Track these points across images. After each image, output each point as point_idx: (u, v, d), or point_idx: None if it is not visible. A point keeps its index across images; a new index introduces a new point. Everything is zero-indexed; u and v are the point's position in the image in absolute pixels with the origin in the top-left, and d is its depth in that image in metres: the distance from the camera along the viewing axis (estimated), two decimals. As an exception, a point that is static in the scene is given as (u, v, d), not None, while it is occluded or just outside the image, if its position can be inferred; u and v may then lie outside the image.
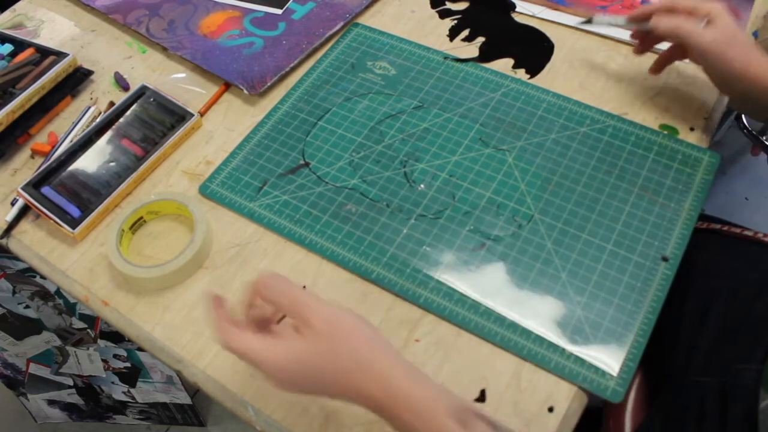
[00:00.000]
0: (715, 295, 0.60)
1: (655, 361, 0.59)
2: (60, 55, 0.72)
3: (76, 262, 0.60)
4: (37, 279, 0.80)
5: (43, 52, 0.73)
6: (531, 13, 0.77)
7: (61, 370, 1.04)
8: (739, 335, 0.55)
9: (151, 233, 0.61)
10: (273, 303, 0.43)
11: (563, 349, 0.51)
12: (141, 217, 0.61)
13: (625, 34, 0.71)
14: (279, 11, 0.79)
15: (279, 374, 0.42)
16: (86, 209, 0.61)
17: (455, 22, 0.77)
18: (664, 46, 0.65)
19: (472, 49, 0.74)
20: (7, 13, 0.83)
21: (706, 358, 0.56)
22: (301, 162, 0.65)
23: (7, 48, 0.74)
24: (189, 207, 0.59)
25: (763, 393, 0.47)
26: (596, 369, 0.50)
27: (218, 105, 0.71)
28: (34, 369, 1.05)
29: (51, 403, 1.16)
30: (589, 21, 0.72)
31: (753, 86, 0.57)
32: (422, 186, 0.62)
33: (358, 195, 0.61)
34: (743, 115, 1.19)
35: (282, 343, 0.42)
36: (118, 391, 1.07)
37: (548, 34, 0.75)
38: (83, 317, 0.87)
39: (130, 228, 0.60)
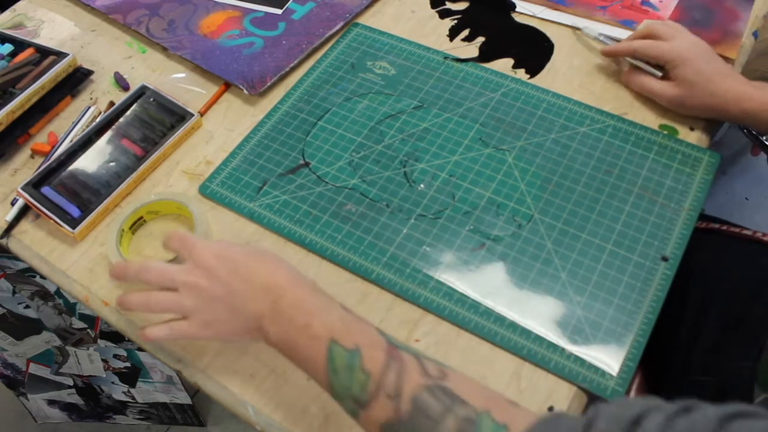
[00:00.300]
0: (715, 295, 0.60)
1: (654, 361, 0.59)
2: (60, 55, 0.72)
3: (76, 262, 0.60)
4: (37, 279, 0.80)
5: (43, 52, 0.73)
6: (531, 13, 0.77)
7: (61, 370, 1.04)
8: (737, 335, 0.55)
9: (151, 233, 0.61)
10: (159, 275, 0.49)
11: (563, 349, 0.51)
12: (141, 217, 0.61)
13: (626, 35, 0.71)
14: (279, 11, 0.79)
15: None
16: (86, 209, 0.61)
17: (455, 22, 0.77)
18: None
19: (472, 49, 0.74)
20: (7, 13, 0.83)
21: (704, 358, 0.56)
22: (301, 162, 0.65)
23: (7, 48, 0.74)
24: (189, 207, 0.59)
25: (758, 390, 0.47)
26: (596, 369, 0.50)
27: (218, 105, 0.71)
28: (34, 369, 1.05)
29: (51, 403, 1.16)
30: (579, 29, 0.74)
31: (727, 118, 0.63)
32: (422, 186, 0.62)
33: (358, 195, 0.62)
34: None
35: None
36: (118, 391, 1.07)
37: (548, 34, 0.75)
38: (83, 317, 0.87)
39: (130, 228, 0.60)
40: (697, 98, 0.61)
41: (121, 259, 0.56)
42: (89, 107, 0.71)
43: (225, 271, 0.47)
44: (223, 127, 0.69)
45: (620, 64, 0.70)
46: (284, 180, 0.63)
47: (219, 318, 0.47)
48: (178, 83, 0.74)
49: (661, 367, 0.60)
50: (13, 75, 0.70)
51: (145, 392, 1.06)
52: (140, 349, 0.93)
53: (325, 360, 0.42)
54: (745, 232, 0.65)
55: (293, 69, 0.73)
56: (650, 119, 0.65)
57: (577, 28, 0.74)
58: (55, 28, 0.81)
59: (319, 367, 0.43)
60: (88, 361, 0.99)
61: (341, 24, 0.77)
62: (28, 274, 0.79)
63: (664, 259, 0.55)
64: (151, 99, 0.69)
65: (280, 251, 0.59)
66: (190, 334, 0.48)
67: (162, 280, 0.48)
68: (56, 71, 0.70)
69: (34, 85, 0.69)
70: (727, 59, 0.69)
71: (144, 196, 0.63)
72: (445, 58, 0.73)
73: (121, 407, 1.14)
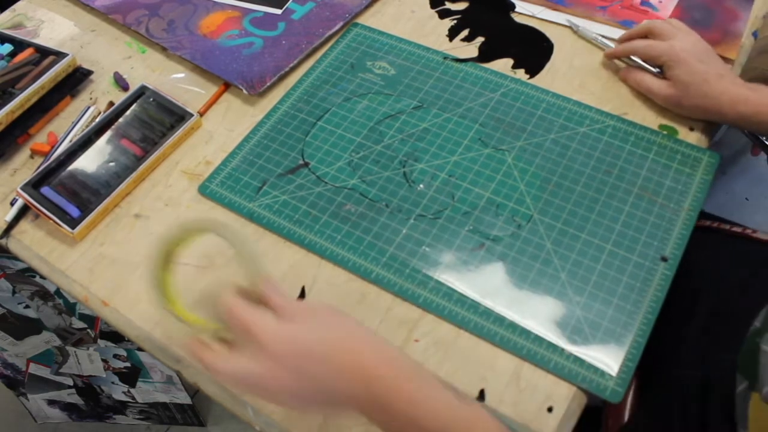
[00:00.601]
0: (711, 293, 0.60)
1: (647, 358, 0.59)
2: (59, 55, 0.72)
3: (76, 262, 0.60)
4: (37, 279, 0.80)
5: (43, 52, 0.73)
6: (531, 13, 0.77)
7: (61, 370, 1.04)
8: (722, 329, 0.55)
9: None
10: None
11: (562, 349, 0.51)
12: (172, 252, 0.50)
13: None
14: (278, 11, 0.79)
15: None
16: (86, 209, 0.61)
17: (455, 22, 0.77)
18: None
19: (471, 49, 0.74)
20: (7, 13, 0.83)
21: (692, 353, 0.56)
22: (301, 162, 0.65)
23: (7, 48, 0.74)
24: (225, 237, 0.48)
25: (740, 378, 0.47)
26: (595, 369, 0.50)
27: (218, 105, 0.71)
28: (34, 369, 1.05)
29: (51, 403, 1.16)
30: (574, 29, 0.75)
31: (724, 120, 0.62)
32: (421, 186, 0.62)
33: (357, 195, 0.62)
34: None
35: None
36: (118, 391, 1.07)
37: (548, 34, 0.75)
38: (83, 317, 0.87)
39: (166, 267, 0.50)
40: (691, 99, 0.61)
41: (171, 308, 0.49)
42: (89, 107, 0.71)
43: (296, 363, 0.41)
44: (223, 127, 0.69)
45: (619, 61, 0.70)
46: (284, 180, 0.63)
47: (300, 397, 0.43)
48: (178, 83, 0.74)
49: (653, 363, 0.60)
50: (12, 75, 0.70)
51: (145, 392, 1.07)
52: (140, 349, 0.93)
53: None
54: (746, 231, 0.65)
55: (293, 69, 0.73)
56: (650, 119, 0.65)
57: (575, 29, 0.74)
58: (55, 28, 0.81)
59: None
60: (88, 361, 0.99)
61: (341, 24, 0.77)
62: (28, 274, 0.79)
63: (664, 259, 0.55)
64: (151, 99, 0.69)
65: (279, 251, 0.59)
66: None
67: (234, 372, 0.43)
68: (56, 71, 0.70)
69: (33, 85, 0.69)
70: (726, 59, 0.69)
71: (142, 196, 0.63)
72: (445, 58, 0.73)
73: (121, 407, 1.14)
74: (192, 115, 0.68)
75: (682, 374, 0.55)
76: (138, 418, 1.19)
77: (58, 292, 0.83)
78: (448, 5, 0.79)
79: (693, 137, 0.64)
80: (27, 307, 0.88)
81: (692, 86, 0.61)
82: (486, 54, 0.73)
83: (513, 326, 0.52)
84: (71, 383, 1.08)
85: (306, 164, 0.64)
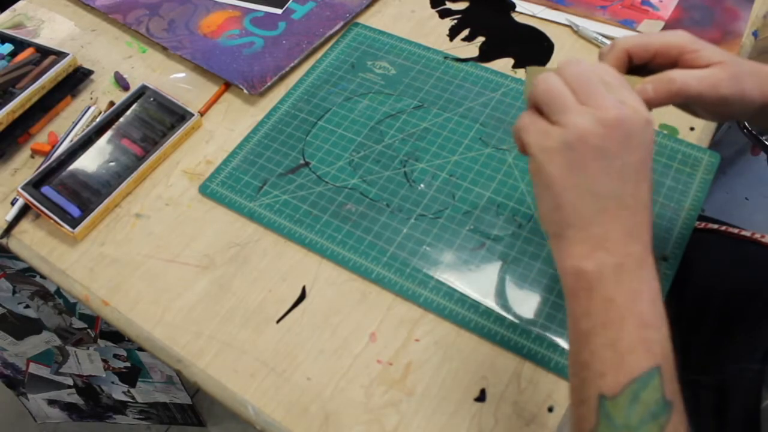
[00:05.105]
0: (713, 294, 0.60)
1: None
2: (60, 54, 0.72)
3: (76, 261, 0.60)
4: (37, 279, 0.80)
5: (43, 51, 0.73)
6: (531, 13, 0.77)
7: (61, 370, 1.04)
8: (736, 335, 0.55)
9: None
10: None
11: (563, 349, 0.51)
12: None
13: (625, 34, 0.71)
14: (279, 11, 0.79)
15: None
16: (86, 209, 0.61)
17: (455, 21, 0.77)
18: None
19: (472, 49, 0.74)
20: (7, 13, 0.83)
21: (703, 358, 0.56)
22: (301, 162, 0.65)
23: (7, 48, 0.74)
24: None
25: (766, 392, 0.47)
26: (596, 368, 0.50)
27: (218, 105, 0.71)
28: (34, 369, 1.05)
29: (51, 402, 1.16)
30: (574, 28, 0.74)
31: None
32: (422, 186, 0.62)
33: (358, 195, 0.62)
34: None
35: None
36: (118, 391, 1.07)
37: (548, 34, 0.75)
38: (83, 317, 0.87)
39: None
40: (751, 75, 0.43)
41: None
42: (89, 107, 0.71)
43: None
44: (223, 127, 0.69)
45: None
46: (284, 180, 0.63)
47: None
48: (178, 83, 0.74)
49: None
50: (13, 75, 0.70)
51: (145, 392, 1.06)
52: (140, 349, 0.93)
53: (635, 374, 0.35)
54: (743, 233, 0.65)
55: (293, 69, 0.73)
56: (650, 119, 0.65)
57: (575, 28, 0.74)
58: (55, 27, 0.81)
59: (623, 367, 0.35)
60: (88, 361, 0.99)
61: (341, 24, 0.77)
62: (28, 273, 0.79)
63: (664, 258, 0.55)
64: (151, 99, 0.69)
65: (280, 251, 0.59)
66: None
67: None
68: (56, 71, 0.70)
69: (34, 84, 0.69)
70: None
71: (143, 196, 0.63)
72: (445, 57, 0.73)
73: (121, 407, 1.14)
74: (192, 115, 0.68)
75: (695, 379, 0.55)
76: (138, 418, 1.19)
77: (58, 291, 0.82)
78: (449, 5, 0.79)
79: (693, 137, 0.64)
80: (27, 306, 0.88)
81: (738, 61, 0.43)
82: (486, 54, 0.73)
83: (513, 326, 0.52)
84: (71, 383, 1.08)
85: (307, 164, 0.64)
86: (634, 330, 0.36)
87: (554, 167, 0.38)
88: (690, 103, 0.45)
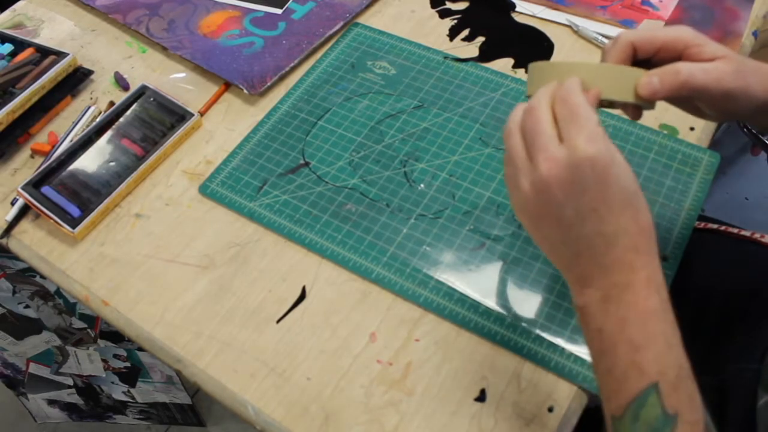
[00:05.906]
0: (712, 294, 0.60)
1: None
2: (60, 54, 0.72)
3: (76, 261, 0.60)
4: (37, 279, 0.80)
5: (43, 51, 0.73)
6: (531, 13, 0.77)
7: (61, 370, 1.04)
8: (736, 335, 0.55)
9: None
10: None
11: (563, 349, 0.51)
12: None
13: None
14: (279, 11, 0.79)
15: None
16: (86, 209, 0.61)
17: (455, 21, 0.77)
18: None
19: (472, 49, 0.74)
20: (7, 13, 0.83)
21: (702, 358, 0.56)
22: (301, 162, 0.65)
23: (7, 48, 0.74)
24: None
25: (761, 392, 0.47)
26: (596, 368, 0.50)
27: (218, 105, 0.71)
28: (34, 369, 1.05)
29: (51, 402, 1.16)
30: (574, 28, 0.74)
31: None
32: (422, 186, 0.62)
33: (358, 195, 0.62)
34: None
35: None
36: (118, 391, 1.07)
37: (548, 33, 0.75)
38: (83, 317, 0.87)
39: None
40: (756, 69, 0.44)
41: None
42: (89, 107, 0.71)
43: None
44: (223, 127, 0.69)
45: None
46: (284, 180, 0.63)
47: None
48: (178, 83, 0.74)
49: None
50: (13, 75, 0.70)
51: (145, 392, 1.06)
52: (140, 349, 0.93)
53: (632, 395, 0.36)
54: (743, 233, 0.65)
55: (293, 69, 0.73)
56: (650, 119, 0.65)
57: (575, 28, 0.74)
58: (55, 27, 0.81)
59: (621, 391, 0.37)
60: (88, 361, 0.99)
61: (341, 24, 0.77)
62: (28, 273, 0.79)
63: (664, 258, 0.55)
64: (151, 99, 0.69)
65: (280, 251, 0.59)
66: None
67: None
68: (56, 71, 0.70)
69: (34, 84, 0.69)
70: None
71: (143, 196, 0.63)
72: (445, 57, 0.73)
73: (121, 407, 1.14)
74: (192, 115, 0.68)
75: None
76: (138, 418, 1.19)
77: (58, 291, 0.82)
78: (449, 5, 0.80)
79: (693, 137, 0.64)
80: (27, 307, 0.88)
81: (741, 58, 0.44)
82: (486, 54, 0.73)
83: (513, 326, 0.52)
84: (71, 383, 1.08)
85: (307, 164, 0.64)
86: (626, 355, 0.37)
87: (525, 225, 0.42)
88: (694, 99, 0.45)
